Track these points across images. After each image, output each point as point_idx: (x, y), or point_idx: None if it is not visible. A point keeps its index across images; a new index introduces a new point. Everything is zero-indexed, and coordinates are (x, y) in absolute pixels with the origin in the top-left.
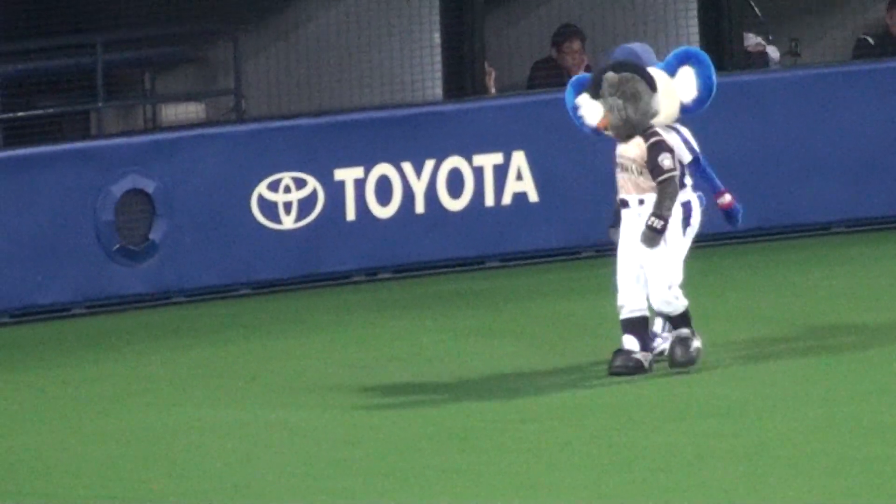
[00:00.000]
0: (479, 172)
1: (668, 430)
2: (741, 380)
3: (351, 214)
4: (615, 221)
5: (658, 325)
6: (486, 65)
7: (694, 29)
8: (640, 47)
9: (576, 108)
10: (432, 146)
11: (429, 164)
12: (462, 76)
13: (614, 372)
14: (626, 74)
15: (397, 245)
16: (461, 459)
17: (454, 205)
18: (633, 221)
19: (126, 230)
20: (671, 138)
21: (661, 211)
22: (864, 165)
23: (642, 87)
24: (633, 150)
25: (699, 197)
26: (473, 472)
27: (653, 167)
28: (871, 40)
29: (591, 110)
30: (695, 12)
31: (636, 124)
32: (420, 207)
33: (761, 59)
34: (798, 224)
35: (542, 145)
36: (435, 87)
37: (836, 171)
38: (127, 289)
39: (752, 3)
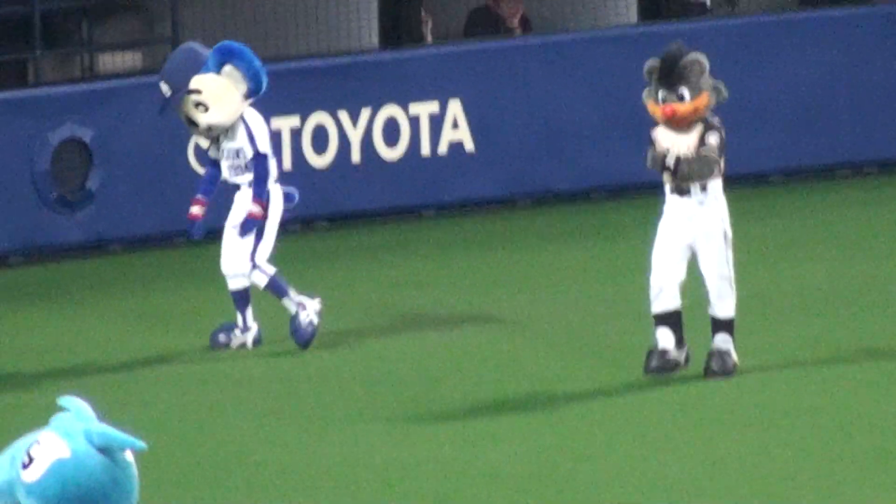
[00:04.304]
0: (415, 121)
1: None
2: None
3: (287, 164)
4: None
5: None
6: (422, 12)
7: None
8: (199, 46)
9: None
10: (368, 95)
11: (365, 113)
12: (398, 24)
13: (651, 372)
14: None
15: (333, 194)
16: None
17: (390, 154)
18: (689, 210)
19: (63, 179)
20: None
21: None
22: (801, 115)
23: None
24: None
25: (288, 193)
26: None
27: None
28: None
29: None
30: None
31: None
32: (356, 157)
33: (699, 8)
34: (736, 174)
35: (478, 94)
36: (371, 35)
37: (773, 120)
38: (63, 238)
39: None
